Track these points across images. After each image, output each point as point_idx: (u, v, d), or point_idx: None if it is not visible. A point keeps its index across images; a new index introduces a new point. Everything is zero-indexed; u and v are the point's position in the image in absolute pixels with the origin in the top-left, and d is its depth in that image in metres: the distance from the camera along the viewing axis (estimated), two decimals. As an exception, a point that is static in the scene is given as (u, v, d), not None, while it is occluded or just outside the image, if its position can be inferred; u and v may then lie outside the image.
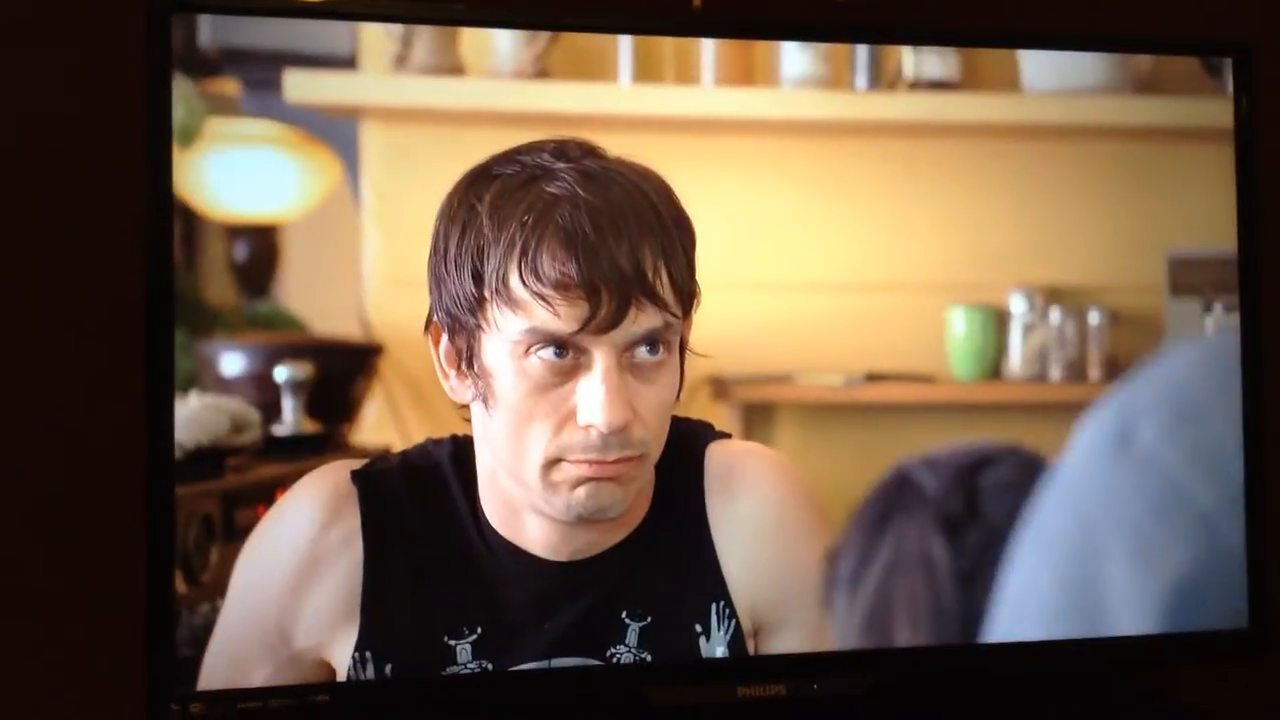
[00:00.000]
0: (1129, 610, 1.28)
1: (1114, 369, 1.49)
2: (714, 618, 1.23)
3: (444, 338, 1.17)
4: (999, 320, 1.48)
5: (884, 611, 1.30)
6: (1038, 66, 1.49)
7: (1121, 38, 1.50)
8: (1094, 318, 1.49)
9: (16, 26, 1.42)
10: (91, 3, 1.43)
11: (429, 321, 1.19)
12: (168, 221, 1.25)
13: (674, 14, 1.53)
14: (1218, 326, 1.47)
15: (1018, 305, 1.48)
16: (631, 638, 1.23)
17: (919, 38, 1.46)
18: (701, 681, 1.28)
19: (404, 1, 1.38)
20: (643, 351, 1.14)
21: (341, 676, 1.20)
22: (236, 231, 1.36)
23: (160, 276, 1.24)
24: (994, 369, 1.48)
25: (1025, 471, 1.32)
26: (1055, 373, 1.49)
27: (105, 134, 1.40)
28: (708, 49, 1.44)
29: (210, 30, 1.31)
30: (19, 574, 1.40)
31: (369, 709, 1.24)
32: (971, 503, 1.31)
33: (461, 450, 1.22)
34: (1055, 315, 1.48)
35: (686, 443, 1.23)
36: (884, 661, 1.34)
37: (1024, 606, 1.27)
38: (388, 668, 1.20)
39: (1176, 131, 1.51)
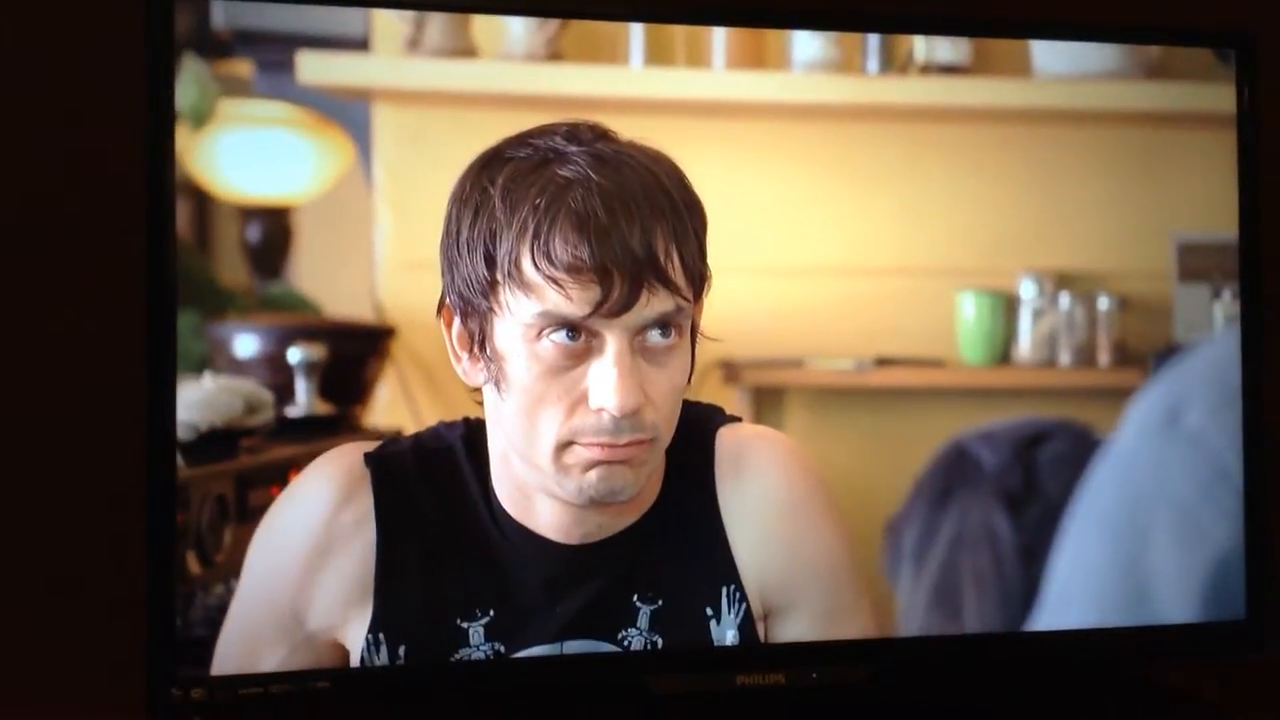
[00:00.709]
0: (1175, 584, 1.31)
1: (1123, 354, 1.49)
2: (724, 601, 1.24)
3: (456, 321, 1.17)
4: (1009, 305, 1.48)
5: (951, 584, 1.32)
6: (1049, 52, 1.49)
7: (1124, 28, 1.50)
8: (1103, 303, 1.49)
9: (29, 10, 1.43)
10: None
11: (441, 304, 1.19)
12: (170, 209, 1.25)
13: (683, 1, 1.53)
14: (1226, 313, 1.48)
15: (1027, 290, 1.48)
16: (643, 621, 1.24)
17: (920, 26, 1.47)
18: (703, 669, 1.29)
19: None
20: (654, 335, 1.14)
21: (355, 658, 1.21)
22: (249, 213, 1.37)
23: (162, 255, 1.24)
24: (1003, 354, 1.49)
25: (1079, 446, 1.35)
26: (1064, 358, 1.49)
27: (116, 117, 1.40)
28: (719, 33, 1.44)
29: (223, 12, 1.32)
30: (25, 557, 1.41)
31: (370, 694, 1.25)
32: (1030, 477, 1.33)
33: (474, 433, 1.22)
34: (1064, 300, 1.49)
35: (697, 426, 1.23)
36: (884, 652, 1.35)
37: (1074, 580, 1.29)
38: (401, 649, 1.21)
39: (1187, 117, 1.51)
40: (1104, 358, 1.49)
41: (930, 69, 1.48)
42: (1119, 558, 1.40)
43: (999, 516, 1.38)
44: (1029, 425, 1.42)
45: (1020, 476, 1.38)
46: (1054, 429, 1.42)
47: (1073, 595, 1.38)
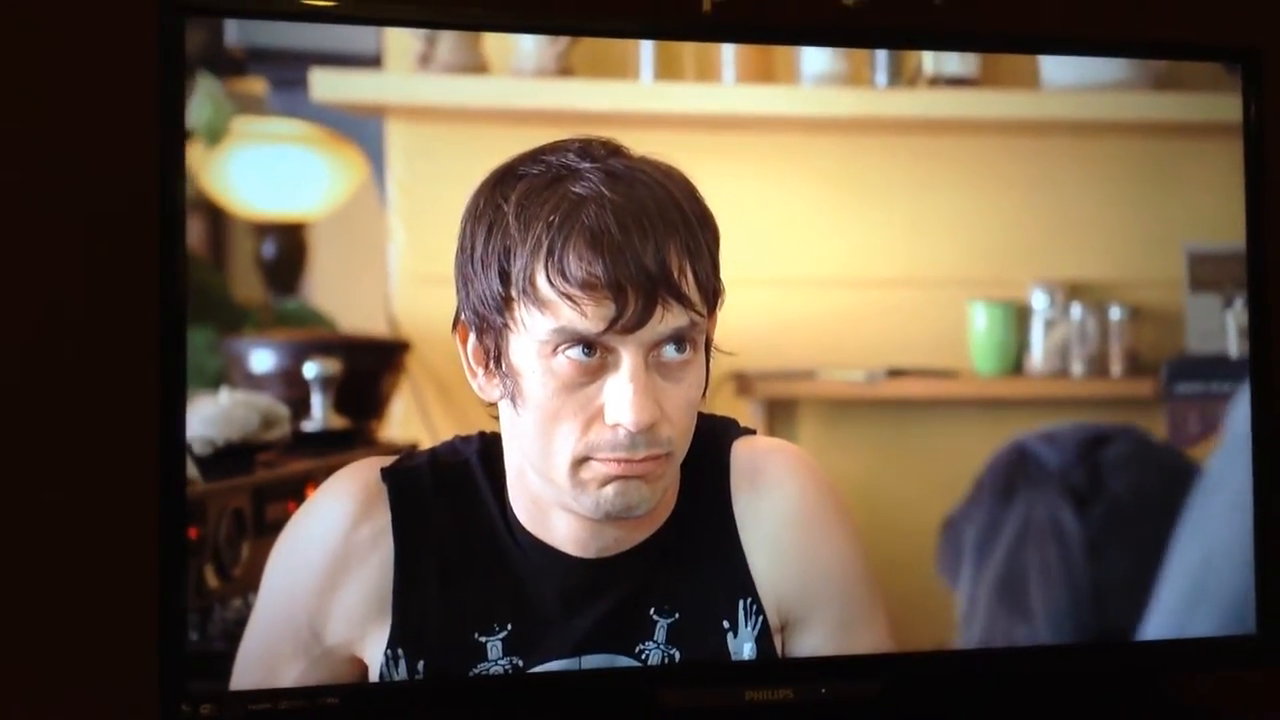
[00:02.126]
0: None
1: (1135, 364, 1.49)
2: (741, 614, 1.24)
3: (471, 336, 1.17)
4: (1020, 316, 1.48)
5: (1017, 578, 1.33)
6: (1057, 63, 1.49)
7: (1132, 43, 1.51)
8: (1115, 313, 1.49)
9: (46, 28, 1.43)
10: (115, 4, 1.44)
11: (456, 320, 1.19)
12: (180, 229, 1.26)
13: (686, 18, 1.53)
14: (1237, 322, 1.48)
15: (1039, 301, 1.48)
16: (660, 634, 1.24)
17: (930, 43, 1.47)
18: (713, 684, 1.29)
19: (420, 5, 1.39)
20: (669, 350, 1.14)
21: (374, 673, 1.21)
22: (265, 230, 1.37)
23: (173, 269, 1.25)
24: (1015, 364, 1.49)
25: (1141, 448, 1.37)
26: (1077, 368, 1.50)
27: (130, 134, 1.40)
28: (728, 47, 1.44)
29: (237, 30, 1.33)
30: (40, 571, 1.41)
31: (380, 710, 1.25)
32: (1095, 476, 1.35)
33: (489, 447, 1.23)
34: (1076, 311, 1.49)
35: (712, 440, 1.23)
36: (894, 667, 1.35)
37: (1212, 570, 1.31)
38: (420, 665, 1.21)
39: (1196, 127, 1.52)
40: (1116, 367, 1.50)
41: (939, 81, 1.48)
42: None
43: (1065, 511, 1.40)
44: (1089, 428, 1.44)
45: (1085, 475, 1.40)
46: (1114, 432, 1.44)
47: (1211, 585, 1.41)
